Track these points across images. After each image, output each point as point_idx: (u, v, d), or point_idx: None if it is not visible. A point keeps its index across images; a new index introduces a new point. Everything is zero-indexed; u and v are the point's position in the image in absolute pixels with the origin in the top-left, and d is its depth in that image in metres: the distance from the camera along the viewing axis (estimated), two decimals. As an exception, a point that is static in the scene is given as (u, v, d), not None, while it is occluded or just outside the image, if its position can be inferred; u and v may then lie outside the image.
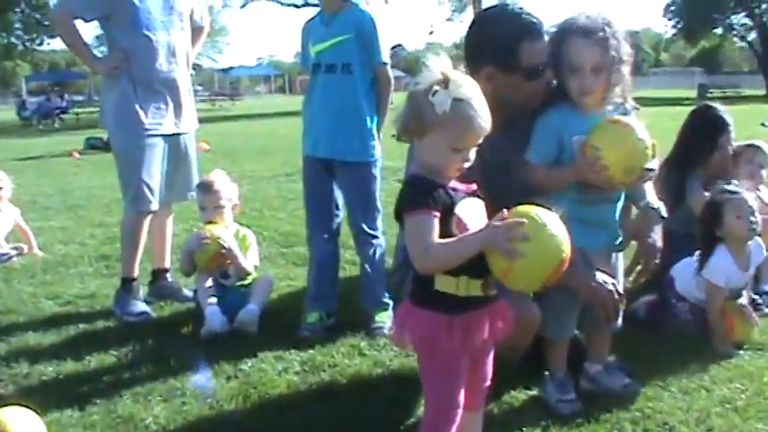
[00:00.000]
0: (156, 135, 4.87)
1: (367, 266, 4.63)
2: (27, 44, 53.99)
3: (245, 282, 4.85)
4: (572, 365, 3.57)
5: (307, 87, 4.78)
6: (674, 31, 73.92)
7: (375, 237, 4.63)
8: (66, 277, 5.95)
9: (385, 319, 4.48)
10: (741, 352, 4.04)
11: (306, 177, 4.78)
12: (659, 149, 3.26)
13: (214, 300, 4.60)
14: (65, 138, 24.03)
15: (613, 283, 3.27)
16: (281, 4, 50.98)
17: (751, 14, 59.44)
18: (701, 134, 5.04)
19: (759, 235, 4.30)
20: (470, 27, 3.61)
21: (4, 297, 5.45)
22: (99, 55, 5.21)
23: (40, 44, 54.82)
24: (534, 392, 3.57)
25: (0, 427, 2.80)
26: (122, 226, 5.11)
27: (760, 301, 4.61)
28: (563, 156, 3.26)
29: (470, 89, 2.41)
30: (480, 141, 2.45)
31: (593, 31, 3.20)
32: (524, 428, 3.24)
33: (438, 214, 2.38)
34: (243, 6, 53.23)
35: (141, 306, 4.93)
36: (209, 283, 4.70)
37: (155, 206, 4.92)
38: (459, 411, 2.58)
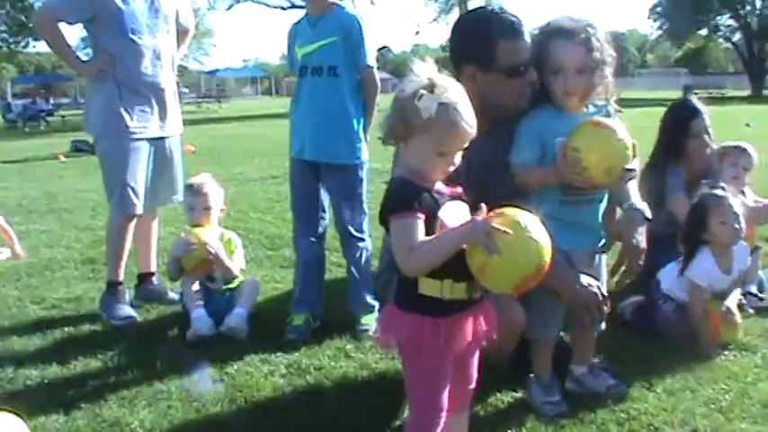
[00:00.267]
0: (142, 138, 4.86)
1: (353, 269, 4.64)
2: (12, 46, 53.59)
3: (232, 285, 4.84)
4: (557, 367, 3.58)
5: (293, 90, 4.78)
6: (659, 32, 74.34)
7: (361, 239, 4.64)
8: (52, 281, 5.92)
9: (371, 322, 4.48)
10: (726, 353, 4.06)
11: (292, 180, 4.79)
12: (641, 150, 3.28)
13: (201, 303, 4.60)
14: (50, 140, 23.89)
15: (597, 286, 3.28)
16: (268, 6, 50.91)
17: (736, 16, 59.80)
18: (674, 122, 5.08)
19: (743, 237, 4.34)
20: (452, 29, 3.63)
21: (-10, 301, 5.41)
22: (84, 58, 5.18)
23: (26, 47, 54.46)
24: (520, 394, 3.58)
25: (-15, 432, 2.80)
26: (108, 230, 5.09)
27: (744, 301, 4.63)
28: (546, 157, 3.27)
29: (456, 93, 2.42)
30: (466, 145, 2.47)
31: (577, 32, 3.23)
32: (510, 430, 3.26)
33: (422, 216, 2.38)
34: (229, 8, 53.17)
35: (127, 310, 4.91)
36: (196, 286, 4.69)
37: (140, 210, 4.91)
38: (444, 414, 2.59)
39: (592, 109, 3.37)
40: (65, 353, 4.28)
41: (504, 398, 3.57)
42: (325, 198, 4.71)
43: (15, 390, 3.86)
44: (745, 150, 5.15)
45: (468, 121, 2.41)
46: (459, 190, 2.56)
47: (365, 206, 4.65)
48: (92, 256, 6.59)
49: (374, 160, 4.69)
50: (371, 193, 4.68)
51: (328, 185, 4.65)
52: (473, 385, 2.76)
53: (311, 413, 3.48)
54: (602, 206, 3.43)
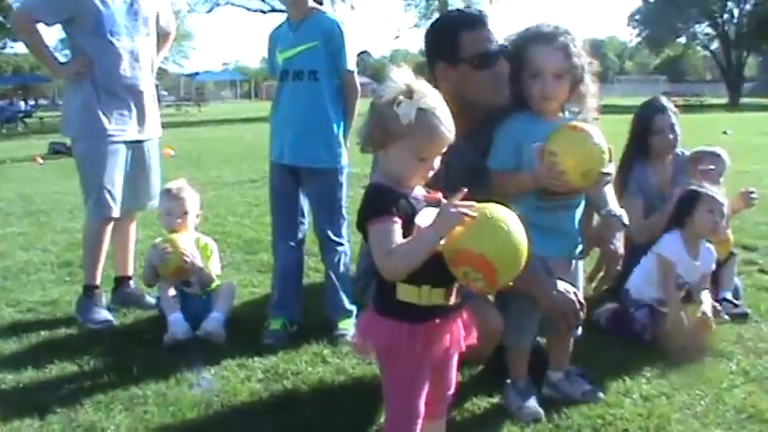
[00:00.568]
0: (119, 141, 4.83)
1: (331, 273, 4.64)
2: (-11, 47, 53.33)
3: (209, 289, 4.82)
4: (534, 373, 3.59)
5: (274, 94, 4.77)
6: (638, 39, 74.88)
7: (340, 244, 4.64)
8: (28, 284, 5.88)
9: (348, 327, 4.48)
10: (701, 359, 4.08)
11: (272, 184, 4.78)
12: (615, 155, 3.31)
13: (178, 307, 4.58)
14: (28, 142, 23.78)
15: (574, 292, 3.29)
16: (248, 9, 50.81)
17: (714, 24, 60.35)
18: (640, 120, 5.19)
19: (711, 241, 4.50)
20: (425, 33, 3.67)
21: (-36, 304, 5.36)
22: (63, 59, 5.14)
23: (3, 47, 54.15)
24: (496, 400, 3.59)
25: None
26: (84, 233, 5.06)
27: (720, 308, 4.66)
28: (522, 163, 3.28)
29: (434, 99, 2.43)
30: (445, 149, 2.48)
31: (556, 37, 3.25)
32: (486, 436, 3.27)
33: (399, 221, 2.38)
34: (209, 11, 52.92)
35: (104, 313, 4.88)
36: (173, 291, 4.67)
37: (116, 213, 4.88)
38: (420, 421, 2.60)
39: (568, 115, 3.39)
40: (40, 357, 4.25)
41: (480, 403, 3.58)
42: (304, 203, 4.71)
43: (-11, 393, 3.83)
44: (719, 155, 5.20)
45: (447, 125, 2.43)
46: (440, 195, 2.56)
47: (344, 211, 4.65)
48: (68, 259, 6.54)
49: (353, 165, 4.69)
50: (351, 198, 4.67)
51: (308, 190, 4.64)
52: (451, 391, 2.77)
53: (288, 418, 3.47)
54: (579, 212, 3.44)
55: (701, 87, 73.10)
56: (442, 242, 2.37)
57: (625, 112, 5.38)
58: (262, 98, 74.88)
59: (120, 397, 3.72)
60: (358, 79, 4.63)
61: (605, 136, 3.20)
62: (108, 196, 4.80)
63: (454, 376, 2.76)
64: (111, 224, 4.95)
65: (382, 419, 3.05)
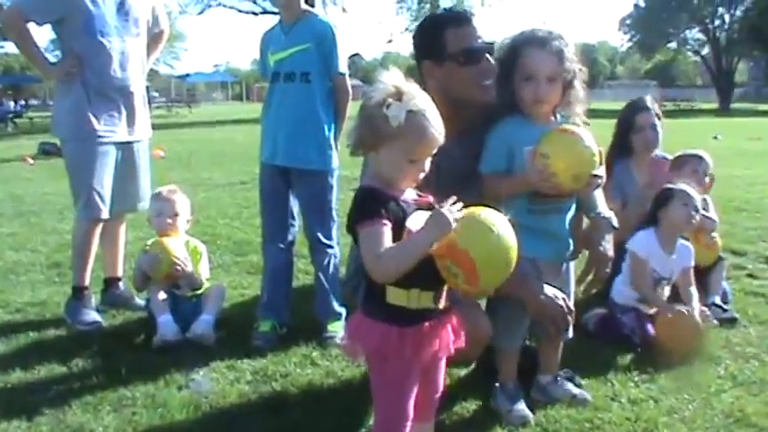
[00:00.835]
0: (109, 143, 4.82)
1: (321, 276, 4.64)
2: (-21, 47, 53.16)
3: (198, 291, 4.82)
4: (523, 376, 3.60)
5: (265, 96, 4.77)
6: (629, 44, 75.09)
7: (330, 246, 4.64)
8: (17, 285, 5.86)
9: (337, 329, 4.48)
10: (689, 363, 4.09)
11: (262, 186, 4.77)
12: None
13: (167, 309, 4.56)
14: (18, 142, 23.67)
15: (563, 298, 3.30)
16: (239, 11, 50.75)
17: (705, 30, 60.61)
18: (622, 119, 5.30)
19: (688, 238, 4.62)
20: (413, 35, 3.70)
21: (-48, 304, 5.34)
22: (53, 60, 5.12)
23: (-7, 47, 54.05)
24: (485, 403, 3.59)
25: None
26: (73, 234, 5.05)
27: (709, 312, 4.68)
28: (514, 166, 3.30)
29: (423, 101, 2.44)
30: (435, 151, 2.48)
31: (550, 41, 3.27)
32: (475, 439, 3.27)
33: (389, 223, 2.39)
34: (200, 13, 52.85)
35: (93, 315, 4.86)
36: (163, 294, 4.65)
37: (105, 214, 4.87)
38: (409, 424, 2.60)
39: (560, 119, 3.40)
40: (29, 358, 4.23)
41: (469, 406, 3.58)
42: (294, 205, 4.71)
43: (-23, 395, 3.81)
44: (702, 158, 5.23)
45: (437, 127, 2.43)
46: (431, 198, 2.57)
47: (334, 213, 4.65)
48: (58, 260, 6.52)
49: (343, 168, 4.68)
50: (341, 201, 4.67)
51: (298, 192, 4.64)
52: (439, 394, 2.77)
53: (277, 420, 3.47)
54: (570, 215, 3.45)
55: (691, 92, 73.45)
56: (434, 247, 2.37)
57: (615, 116, 5.40)
58: (253, 100, 74.75)
59: (109, 398, 3.71)
60: (349, 82, 4.63)
61: (596, 140, 3.21)
62: (97, 197, 4.79)
63: (443, 379, 2.76)
64: (101, 225, 4.94)
65: (371, 422, 3.05)
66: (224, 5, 50.36)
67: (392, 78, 2.44)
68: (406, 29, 52.11)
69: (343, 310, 4.59)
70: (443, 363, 2.72)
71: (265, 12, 45.81)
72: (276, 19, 4.77)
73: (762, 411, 3.51)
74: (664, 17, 59.86)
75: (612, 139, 5.24)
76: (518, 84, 3.31)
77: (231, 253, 6.83)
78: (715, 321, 4.68)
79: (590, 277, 3.54)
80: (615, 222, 3.48)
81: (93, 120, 4.73)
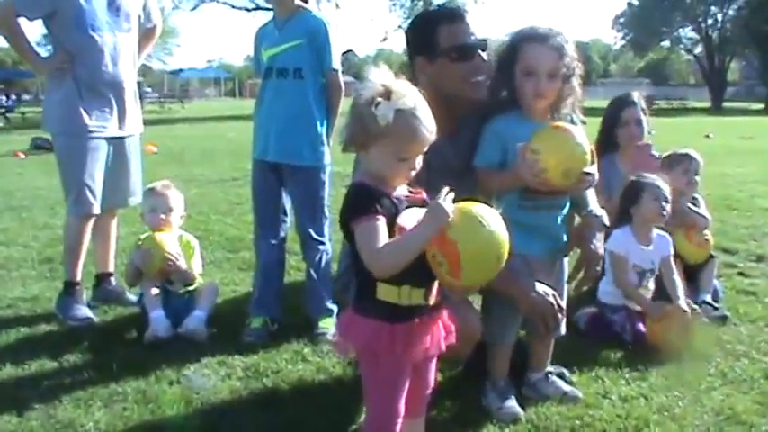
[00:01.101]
0: (100, 138, 4.81)
1: (312, 272, 4.64)
2: (-29, 42, 52.92)
3: (191, 287, 4.81)
4: (514, 373, 3.61)
5: (258, 91, 4.77)
6: (622, 42, 75.32)
7: (322, 243, 4.64)
8: (8, 280, 5.84)
9: (329, 326, 4.48)
10: (679, 360, 4.10)
11: (254, 182, 4.77)
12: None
13: (159, 304, 4.56)
14: (10, 137, 23.54)
15: (554, 295, 3.31)
16: (233, 7, 50.60)
17: (697, 29, 60.80)
18: (608, 114, 5.36)
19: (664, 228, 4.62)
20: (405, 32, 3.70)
21: (-57, 300, 5.32)
22: (45, 55, 5.11)
23: (-15, 42, 53.79)
24: (476, 400, 3.59)
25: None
26: (65, 229, 5.04)
27: (699, 310, 4.69)
28: (507, 162, 3.30)
29: (413, 99, 2.42)
30: (426, 149, 2.48)
31: (551, 37, 3.27)
32: (465, 435, 3.27)
33: (383, 218, 2.39)
34: (194, 8, 52.61)
35: (84, 310, 4.85)
36: (155, 290, 4.65)
37: (96, 209, 4.85)
38: (400, 420, 2.60)
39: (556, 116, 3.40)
40: (19, 353, 4.23)
41: (460, 403, 3.59)
42: (286, 201, 4.71)
43: (-32, 390, 3.80)
44: (693, 157, 5.24)
45: (427, 125, 2.42)
46: (423, 194, 2.57)
47: (326, 210, 4.65)
48: (49, 256, 6.50)
49: (335, 164, 4.68)
50: (333, 197, 4.67)
51: (290, 188, 4.64)
52: (430, 390, 2.77)
53: (268, 416, 3.47)
54: (563, 213, 3.46)
55: (684, 91, 73.54)
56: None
57: (607, 114, 5.42)
58: (246, 96, 74.62)
59: (100, 394, 3.70)
60: (342, 78, 4.64)
61: (587, 137, 3.21)
62: (88, 192, 4.78)
63: (433, 375, 2.76)
64: (92, 220, 4.93)
65: (362, 418, 3.06)
66: (218, 1, 50.24)
67: (381, 76, 2.43)
68: (399, 26, 52.15)
69: (334, 307, 4.59)
70: (435, 359, 2.72)
71: (258, 7, 45.74)
72: (270, 15, 4.77)
73: (751, 409, 3.53)
74: (657, 16, 60.05)
75: (598, 134, 5.25)
76: (518, 79, 3.31)
77: (223, 249, 6.82)
78: (706, 319, 4.69)
79: (581, 275, 3.55)
80: (606, 220, 3.49)
81: (85, 115, 4.72)
